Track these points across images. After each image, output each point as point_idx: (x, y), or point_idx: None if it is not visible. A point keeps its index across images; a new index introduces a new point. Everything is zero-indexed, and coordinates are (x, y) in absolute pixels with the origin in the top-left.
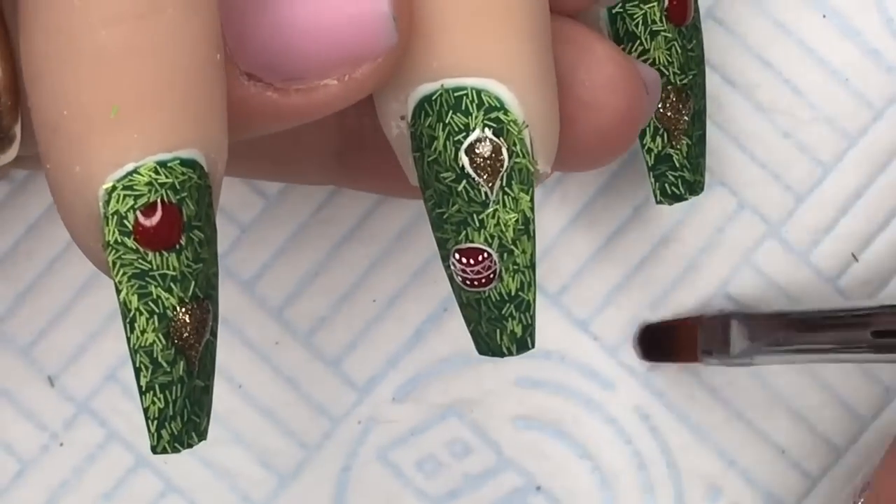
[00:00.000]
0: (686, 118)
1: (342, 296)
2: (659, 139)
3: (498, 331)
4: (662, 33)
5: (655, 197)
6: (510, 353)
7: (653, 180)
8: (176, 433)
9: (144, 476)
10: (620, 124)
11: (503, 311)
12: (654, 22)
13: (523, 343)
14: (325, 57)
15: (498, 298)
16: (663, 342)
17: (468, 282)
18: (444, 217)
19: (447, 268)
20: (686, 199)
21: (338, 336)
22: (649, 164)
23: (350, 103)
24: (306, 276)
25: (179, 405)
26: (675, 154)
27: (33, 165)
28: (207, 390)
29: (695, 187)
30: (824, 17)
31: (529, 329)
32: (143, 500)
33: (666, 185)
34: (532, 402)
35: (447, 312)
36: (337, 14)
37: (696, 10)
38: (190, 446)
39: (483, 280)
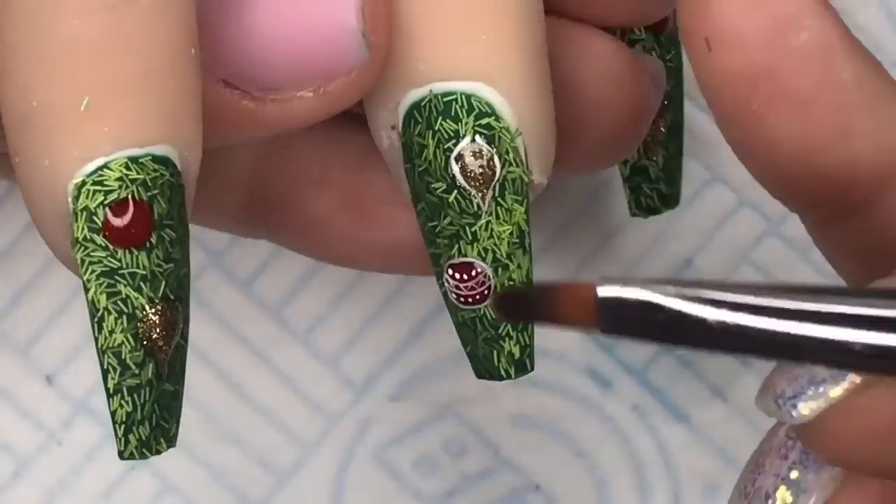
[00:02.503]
0: (662, 129)
1: (340, 294)
2: (634, 150)
3: (495, 352)
4: (640, 42)
5: (630, 209)
6: (508, 377)
7: (628, 192)
8: (144, 438)
9: (142, 475)
10: (631, 121)
11: (500, 331)
12: (632, 31)
13: (522, 365)
14: (295, 69)
15: (494, 317)
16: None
17: (462, 299)
18: (437, 230)
19: (441, 286)
20: (661, 212)
21: (335, 335)
22: (625, 176)
23: (328, 115)
24: (304, 275)
25: (148, 409)
26: (650, 166)
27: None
28: (177, 395)
29: (670, 200)
30: None
31: (528, 350)
32: (141, 500)
33: (641, 197)
34: (530, 401)
35: (445, 311)
36: (302, 27)
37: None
38: (158, 452)
39: (477, 297)
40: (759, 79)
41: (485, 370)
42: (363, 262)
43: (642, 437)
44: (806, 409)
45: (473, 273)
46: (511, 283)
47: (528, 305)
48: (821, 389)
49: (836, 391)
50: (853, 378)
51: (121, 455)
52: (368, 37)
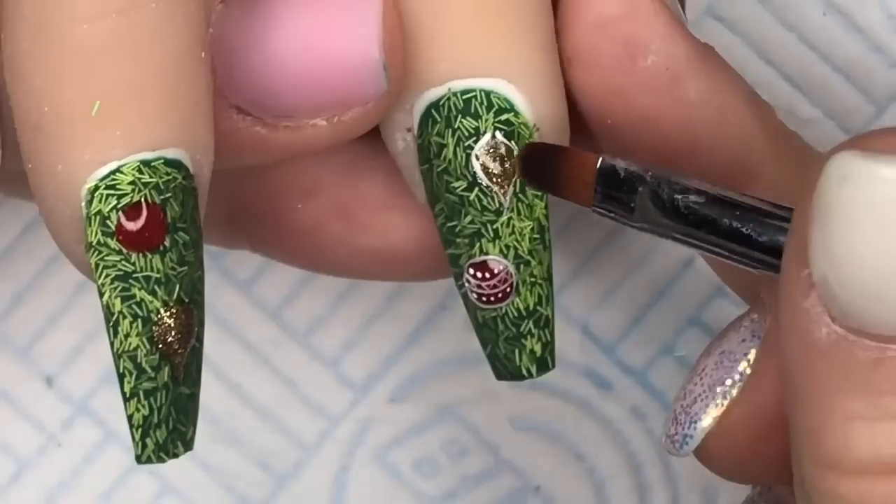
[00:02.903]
0: None
1: (340, 296)
2: None
3: (517, 350)
4: None
5: None
6: (530, 375)
7: None
8: (161, 442)
9: (142, 477)
10: None
11: (521, 329)
12: None
13: (543, 363)
14: (314, 99)
15: (515, 315)
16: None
17: (484, 298)
18: (457, 230)
19: (460, 286)
20: None
21: (335, 336)
22: None
23: (338, 144)
24: (304, 276)
25: (164, 413)
26: None
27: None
28: (193, 398)
29: None
30: (825, 14)
31: (549, 347)
32: (141, 501)
33: None
34: (530, 403)
35: (445, 312)
36: (326, 58)
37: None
38: (175, 456)
39: (499, 295)
40: (611, 96)
41: (506, 371)
42: (356, 270)
43: (642, 439)
44: (691, 444)
45: (496, 271)
46: (532, 278)
47: (545, 159)
48: (696, 424)
49: (707, 422)
50: (717, 411)
51: (138, 459)
52: (388, 69)
